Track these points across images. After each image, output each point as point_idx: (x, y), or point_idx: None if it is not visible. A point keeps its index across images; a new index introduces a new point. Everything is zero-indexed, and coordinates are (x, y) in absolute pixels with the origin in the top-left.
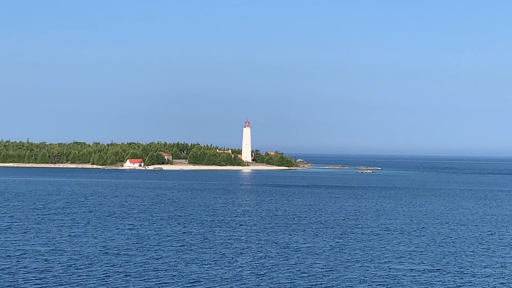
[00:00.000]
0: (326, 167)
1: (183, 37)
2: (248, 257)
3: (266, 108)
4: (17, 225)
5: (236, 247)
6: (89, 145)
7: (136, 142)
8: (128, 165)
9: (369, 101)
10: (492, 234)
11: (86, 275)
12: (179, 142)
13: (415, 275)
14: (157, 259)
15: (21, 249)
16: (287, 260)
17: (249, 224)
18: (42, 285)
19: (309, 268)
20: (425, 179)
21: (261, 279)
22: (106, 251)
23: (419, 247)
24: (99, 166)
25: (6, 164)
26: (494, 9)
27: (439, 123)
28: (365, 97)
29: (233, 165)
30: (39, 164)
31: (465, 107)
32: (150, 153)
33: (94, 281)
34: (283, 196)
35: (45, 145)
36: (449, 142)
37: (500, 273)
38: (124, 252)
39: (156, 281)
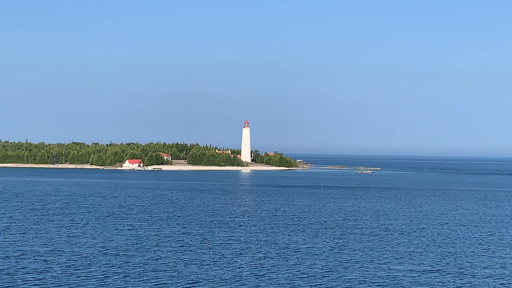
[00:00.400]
0: (326, 167)
1: (183, 37)
2: (247, 257)
3: (265, 108)
4: (16, 225)
5: (235, 248)
6: (88, 146)
7: (135, 143)
8: (127, 165)
9: (368, 101)
10: (492, 234)
11: (85, 276)
12: (178, 143)
13: (414, 276)
14: (156, 259)
15: (20, 250)
16: (287, 261)
17: (248, 224)
18: (41, 286)
19: (309, 269)
20: (424, 179)
21: (261, 280)
22: (105, 251)
23: (419, 247)
24: (98, 167)
25: (4, 165)
26: (494, 9)
27: (439, 123)
28: (365, 97)
29: (233, 166)
30: (38, 165)
31: (465, 107)
32: (149, 154)
33: (93, 282)
34: (283, 196)
35: (44, 145)
36: (449, 142)
37: (500, 274)
38: (123, 253)
39: (155, 281)
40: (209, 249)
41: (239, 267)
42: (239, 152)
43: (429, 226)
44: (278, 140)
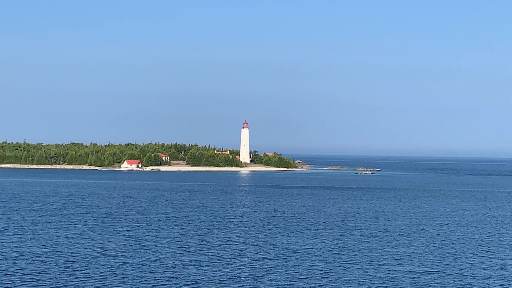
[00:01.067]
0: (325, 168)
1: (182, 37)
2: (246, 258)
3: (264, 108)
4: (14, 226)
5: (234, 249)
6: (86, 146)
7: (133, 143)
8: (125, 166)
9: (368, 101)
10: (492, 235)
11: (83, 277)
12: (177, 143)
13: (414, 277)
14: (155, 260)
15: (18, 251)
16: (286, 262)
17: (247, 225)
18: (39, 287)
19: (308, 270)
20: (424, 180)
21: (260, 281)
22: (103, 252)
23: (419, 248)
24: (96, 167)
25: (2, 165)
26: (494, 9)
27: (439, 123)
28: (364, 98)
29: (231, 166)
30: (36, 165)
31: (465, 107)
32: (148, 154)
33: (92, 283)
34: (282, 197)
35: (42, 146)
36: (449, 143)
37: (500, 275)
38: (121, 254)
39: (154, 283)
40: (208, 250)
41: (238, 268)
42: (238, 153)
43: (428, 227)
44: (277, 141)
